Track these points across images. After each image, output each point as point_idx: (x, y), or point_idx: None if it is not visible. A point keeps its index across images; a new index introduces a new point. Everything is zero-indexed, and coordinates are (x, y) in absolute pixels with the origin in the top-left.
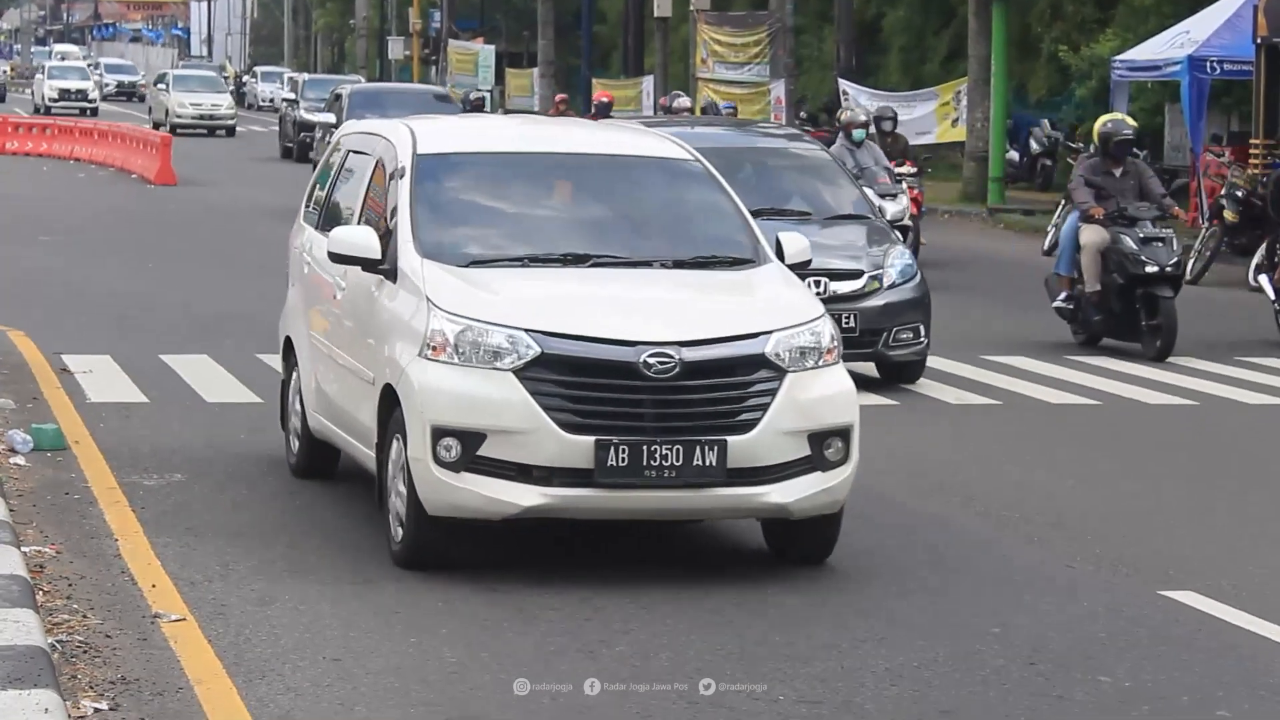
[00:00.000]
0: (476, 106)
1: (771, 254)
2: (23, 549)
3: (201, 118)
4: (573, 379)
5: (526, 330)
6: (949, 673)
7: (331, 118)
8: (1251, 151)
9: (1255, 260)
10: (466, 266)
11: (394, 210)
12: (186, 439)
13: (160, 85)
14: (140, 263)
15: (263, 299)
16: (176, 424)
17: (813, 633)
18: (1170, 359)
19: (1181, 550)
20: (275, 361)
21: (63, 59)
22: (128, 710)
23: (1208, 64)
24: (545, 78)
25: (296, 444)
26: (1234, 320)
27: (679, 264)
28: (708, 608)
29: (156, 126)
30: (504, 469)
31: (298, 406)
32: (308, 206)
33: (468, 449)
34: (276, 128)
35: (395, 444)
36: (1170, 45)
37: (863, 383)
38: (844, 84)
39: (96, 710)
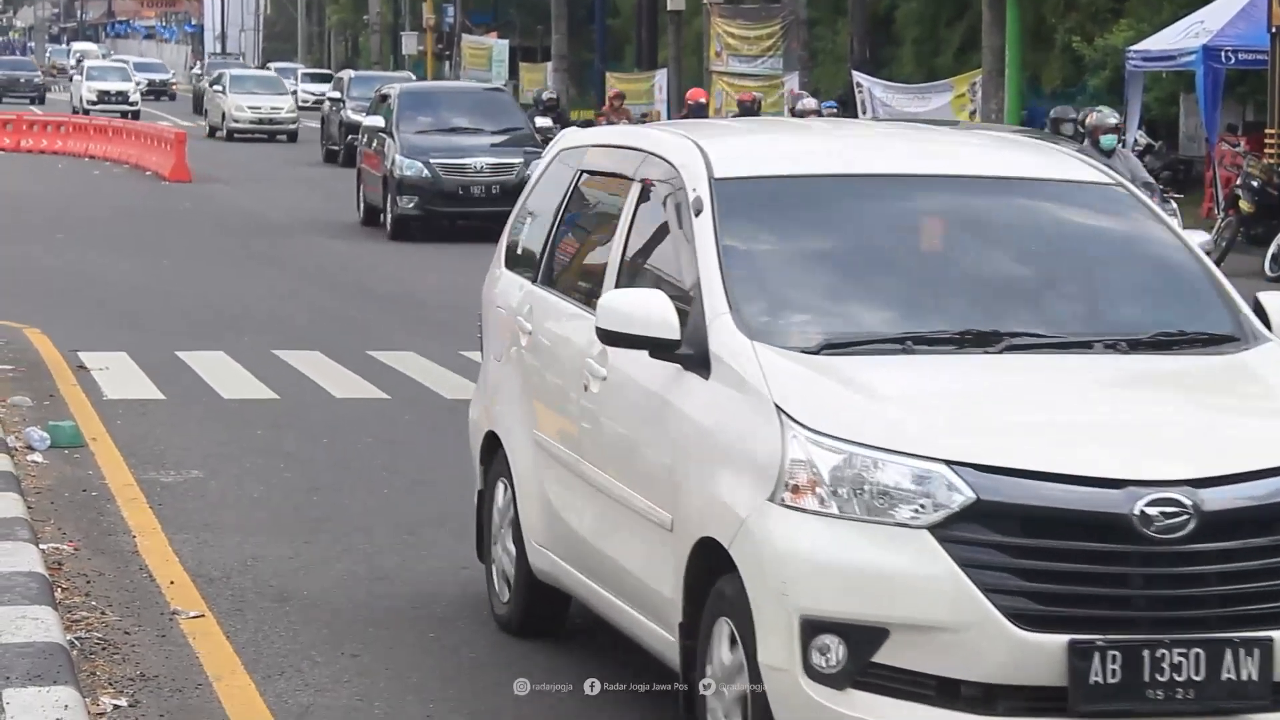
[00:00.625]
0: (550, 107)
1: (1260, 325)
2: (41, 546)
3: (260, 122)
4: (1027, 542)
5: (949, 463)
6: None
7: (380, 120)
8: (1267, 141)
9: (1271, 250)
10: (819, 352)
11: (686, 263)
12: (203, 436)
13: (216, 87)
14: (156, 260)
15: (278, 295)
16: (193, 421)
17: None
18: None
19: None
20: (292, 357)
21: (104, 56)
22: (147, 707)
23: (1222, 53)
24: (558, 72)
25: (506, 588)
26: None
27: (1134, 345)
28: None
29: (212, 132)
30: (918, 685)
31: (510, 537)
32: (512, 250)
33: (859, 653)
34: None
35: (720, 634)
36: (1185, 35)
37: None
38: (858, 76)
39: (116, 707)
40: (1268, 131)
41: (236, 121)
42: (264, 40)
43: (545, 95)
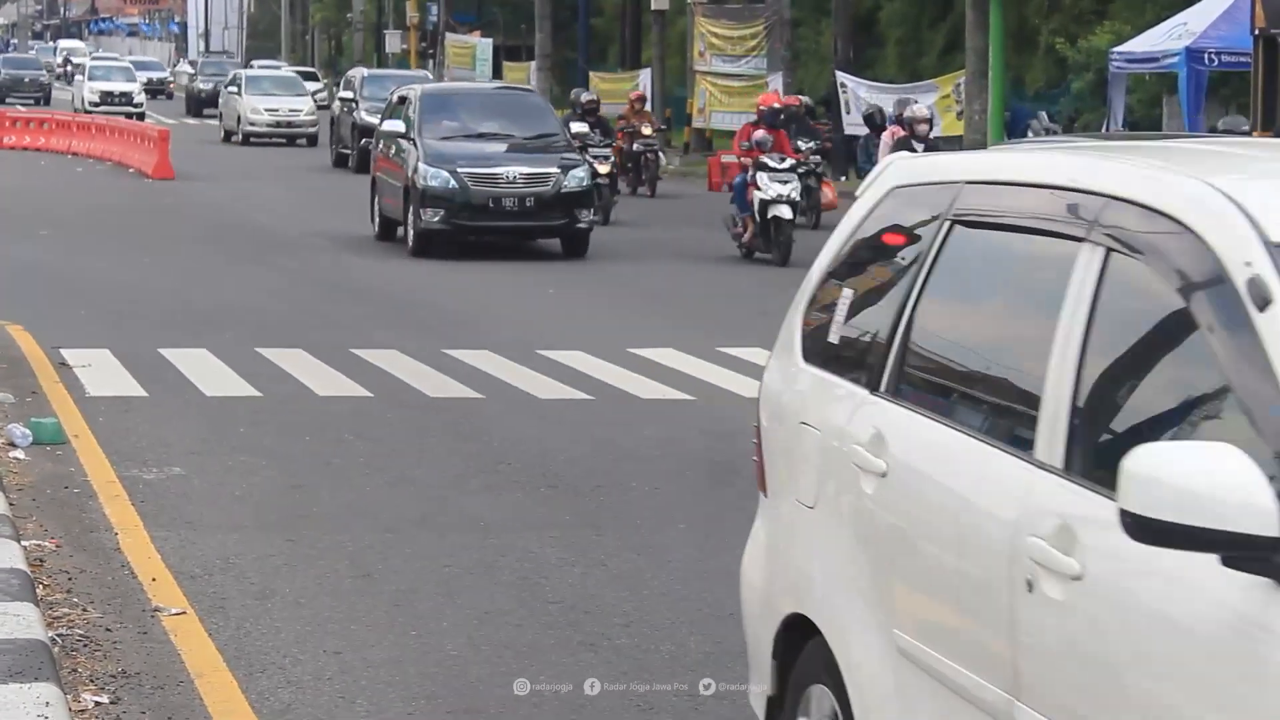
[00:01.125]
0: (589, 110)
1: None
2: (22, 543)
3: (279, 124)
4: None
5: None
6: None
7: (399, 125)
8: None
9: None
10: None
11: (1244, 387)
12: (186, 433)
13: (231, 89)
14: (138, 257)
15: (262, 293)
16: (176, 418)
17: None
18: None
19: None
20: (275, 355)
21: (90, 55)
22: (128, 704)
23: (1206, 55)
24: (542, 71)
25: None
26: None
27: None
28: (708, 601)
29: (227, 136)
30: None
31: None
32: (818, 336)
33: None
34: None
35: None
36: (1168, 37)
37: None
38: (842, 76)
39: (97, 704)
40: (1251, 134)
41: (253, 125)
42: (247, 38)
43: (584, 97)
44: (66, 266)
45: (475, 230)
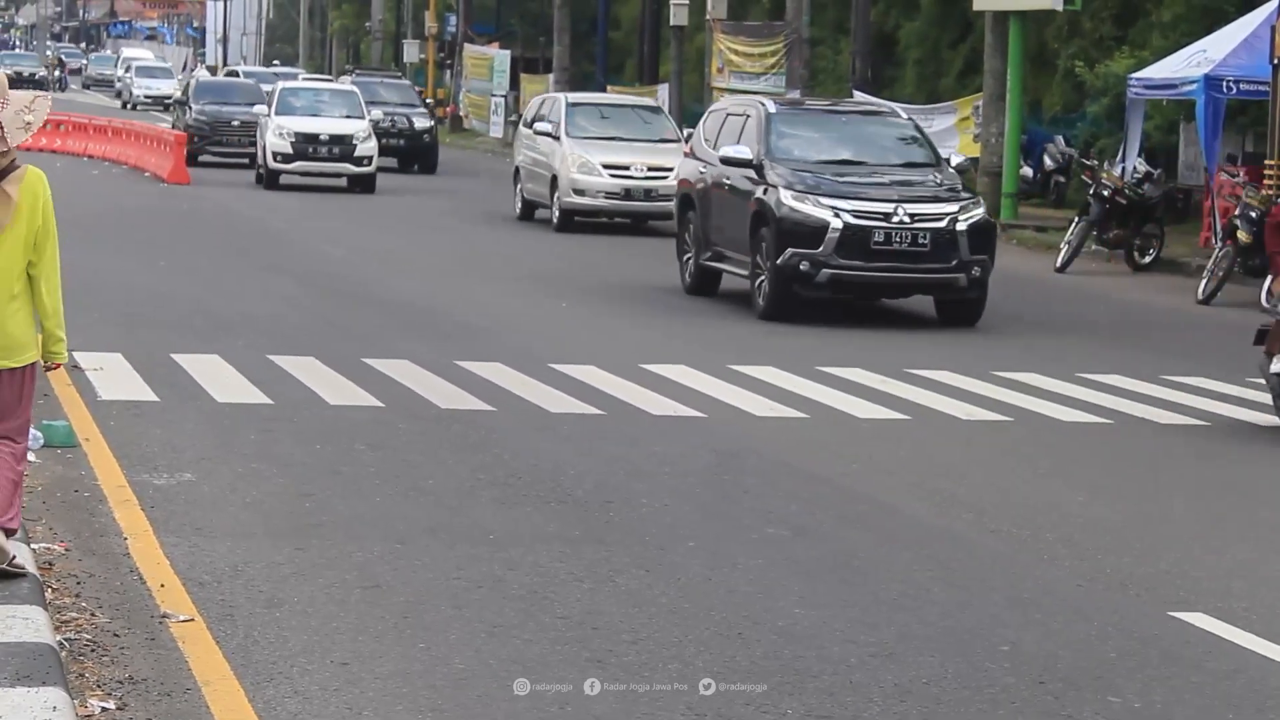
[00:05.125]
0: None
1: None
2: (32, 546)
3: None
4: None
5: None
6: (958, 690)
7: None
8: (1266, 172)
9: (1267, 283)
10: None
11: None
12: (197, 439)
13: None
14: (152, 261)
15: (275, 299)
16: (187, 423)
17: (822, 646)
18: (1181, 379)
19: (1192, 570)
20: (287, 363)
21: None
22: (135, 710)
23: (1224, 83)
24: (560, 84)
25: None
26: (1246, 341)
27: None
28: (715, 619)
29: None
30: None
31: None
32: None
33: None
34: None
35: None
36: (1187, 64)
37: (875, 397)
38: (860, 96)
39: (104, 709)
40: (1267, 163)
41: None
42: (265, 44)
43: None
44: (80, 269)
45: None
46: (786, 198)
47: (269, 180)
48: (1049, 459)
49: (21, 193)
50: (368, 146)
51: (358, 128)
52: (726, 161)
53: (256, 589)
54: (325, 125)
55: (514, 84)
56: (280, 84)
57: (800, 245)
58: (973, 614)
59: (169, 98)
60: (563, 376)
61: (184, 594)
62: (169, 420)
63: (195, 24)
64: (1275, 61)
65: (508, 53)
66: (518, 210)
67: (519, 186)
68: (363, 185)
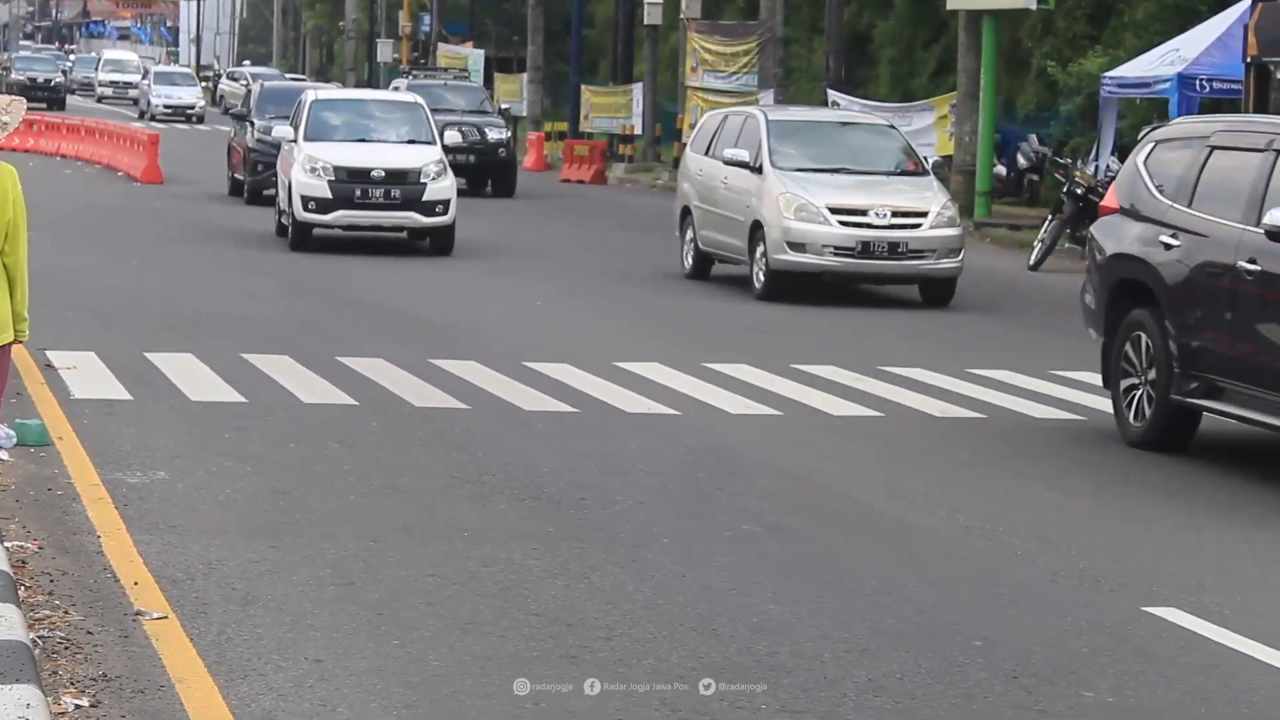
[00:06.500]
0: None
1: None
2: (5, 544)
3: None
4: None
5: None
6: (931, 685)
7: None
8: None
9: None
10: None
11: None
12: (170, 437)
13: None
14: (125, 260)
15: (249, 298)
16: (160, 422)
17: (796, 642)
18: None
19: (1165, 566)
20: (261, 361)
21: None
22: (108, 707)
23: (1197, 82)
24: (534, 83)
25: None
26: None
27: None
28: (690, 616)
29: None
30: None
31: None
32: None
33: None
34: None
35: None
36: (1160, 63)
37: (849, 395)
38: (835, 95)
39: (77, 707)
40: None
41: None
42: (239, 44)
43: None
44: (53, 268)
45: None
46: None
47: (296, 237)
48: (1022, 456)
49: None
50: (442, 187)
51: (427, 159)
52: None
53: (230, 586)
54: (379, 155)
55: (488, 83)
56: (310, 94)
57: None
58: (946, 610)
59: (192, 108)
60: (537, 374)
61: (157, 591)
62: (142, 418)
63: (169, 23)
64: (1248, 61)
65: (481, 52)
66: (687, 266)
67: (688, 235)
68: (437, 242)
